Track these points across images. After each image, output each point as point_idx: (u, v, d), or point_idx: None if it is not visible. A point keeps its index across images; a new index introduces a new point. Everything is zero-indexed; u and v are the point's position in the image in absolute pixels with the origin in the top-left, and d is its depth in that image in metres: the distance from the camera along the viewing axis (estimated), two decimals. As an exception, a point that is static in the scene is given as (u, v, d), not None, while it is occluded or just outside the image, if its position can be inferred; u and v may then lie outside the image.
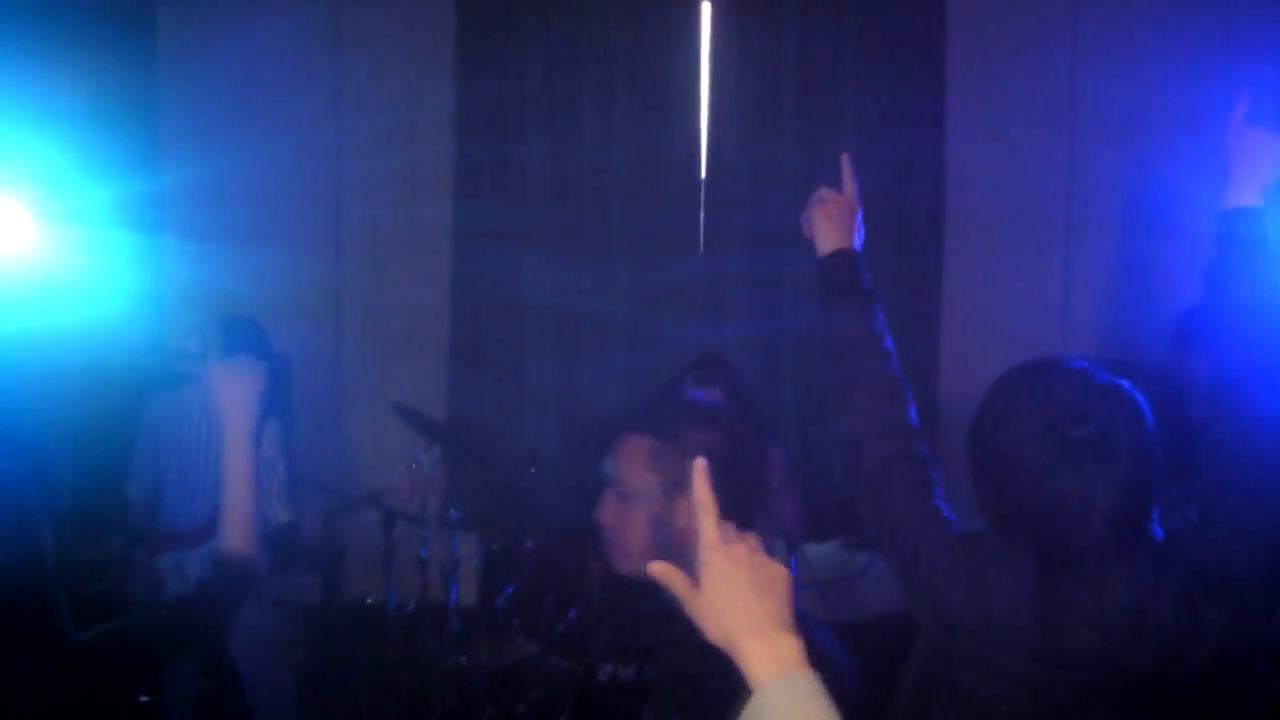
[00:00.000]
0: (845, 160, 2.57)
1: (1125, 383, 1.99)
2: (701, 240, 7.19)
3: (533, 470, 6.30)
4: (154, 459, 5.12)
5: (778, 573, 1.53)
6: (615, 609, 5.78)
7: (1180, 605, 1.89)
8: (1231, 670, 1.90)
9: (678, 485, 2.11)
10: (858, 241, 2.49)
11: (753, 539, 1.54)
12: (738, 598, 1.48)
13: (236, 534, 2.50)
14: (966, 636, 2.04)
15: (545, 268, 7.23)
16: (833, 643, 2.01)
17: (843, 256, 2.45)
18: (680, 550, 1.97)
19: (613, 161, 7.20)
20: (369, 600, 6.79)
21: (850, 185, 2.55)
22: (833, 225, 2.47)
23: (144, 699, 5.29)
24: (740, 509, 1.79)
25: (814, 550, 6.12)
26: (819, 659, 1.48)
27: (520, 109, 7.24)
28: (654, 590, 1.63)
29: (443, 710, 5.79)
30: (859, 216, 2.53)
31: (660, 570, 1.56)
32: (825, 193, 2.53)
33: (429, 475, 5.61)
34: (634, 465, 2.17)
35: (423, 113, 7.25)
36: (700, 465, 1.58)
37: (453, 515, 6.26)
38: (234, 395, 2.60)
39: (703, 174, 7.18)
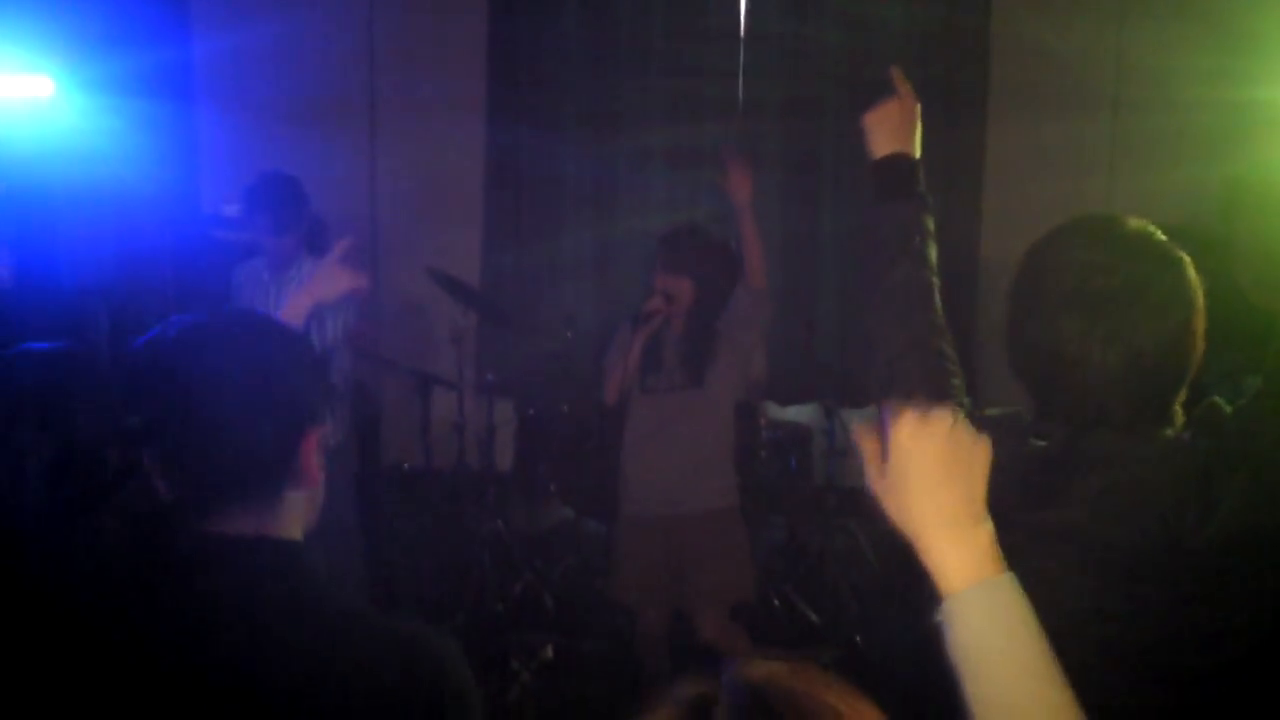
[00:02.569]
0: (896, 73, 2.48)
1: (1164, 239, 1.90)
2: (740, 103, 7.11)
3: (568, 335, 6.29)
4: None
5: (976, 452, 1.38)
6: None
7: (1189, 486, 1.81)
8: (1249, 551, 1.84)
9: None
10: (916, 147, 2.44)
11: (957, 413, 1.38)
12: (926, 482, 1.34)
13: None
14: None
15: (581, 133, 7.17)
16: None
17: (900, 160, 2.41)
18: None
19: (649, 26, 7.09)
20: (406, 466, 6.86)
21: (907, 92, 2.47)
22: (892, 128, 2.43)
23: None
24: None
25: (851, 416, 6.13)
26: None
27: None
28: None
29: (479, 574, 5.86)
30: (916, 120, 2.46)
31: (861, 434, 1.42)
32: (888, 96, 2.46)
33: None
34: None
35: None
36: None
37: (488, 380, 6.28)
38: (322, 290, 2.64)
39: (741, 35, 7.07)
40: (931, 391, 2.12)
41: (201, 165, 6.99)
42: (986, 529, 1.35)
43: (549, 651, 5.15)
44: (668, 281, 4.39)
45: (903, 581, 5.74)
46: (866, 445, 1.41)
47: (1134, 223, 1.93)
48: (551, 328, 6.52)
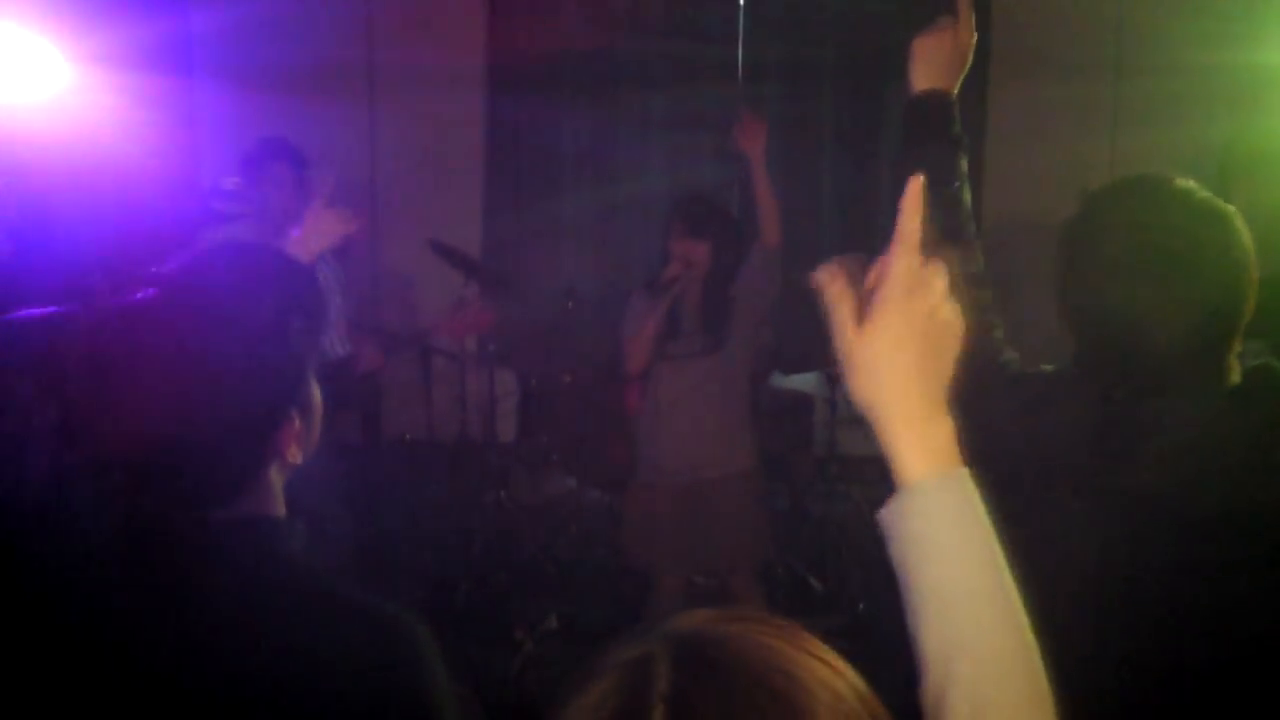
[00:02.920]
0: (965, 3, 2.34)
1: (1211, 195, 1.90)
2: (740, 70, 7.08)
3: (569, 305, 6.28)
4: None
5: (951, 335, 1.30)
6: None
7: (1255, 444, 1.82)
8: None
9: None
10: (957, 85, 2.35)
11: (941, 281, 1.29)
12: (903, 365, 1.26)
13: None
14: (1026, 479, 1.98)
15: (580, 102, 7.15)
16: None
17: (937, 97, 2.32)
18: None
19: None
20: (408, 437, 6.86)
21: (967, 24, 2.34)
22: (940, 61, 2.34)
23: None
24: None
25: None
26: None
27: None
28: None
29: (483, 545, 5.87)
30: (966, 58, 2.36)
31: (830, 282, 1.31)
32: (945, 22, 2.33)
33: (472, 312, 5.52)
34: None
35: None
36: (915, 184, 1.35)
37: (490, 351, 6.28)
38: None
39: (741, 1, 7.04)
40: (972, 341, 2.10)
41: (200, 138, 6.96)
42: (948, 423, 1.29)
43: (553, 621, 5.17)
44: (685, 246, 4.37)
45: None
46: (841, 299, 1.30)
47: (1180, 181, 1.91)
48: (552, 298, 6.51)
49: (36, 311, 2.28)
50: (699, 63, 7.04)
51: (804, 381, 6.63)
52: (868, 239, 7.06)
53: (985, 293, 2.20)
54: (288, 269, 1.68)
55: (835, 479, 6.06)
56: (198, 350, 1.51)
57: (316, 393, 1.68)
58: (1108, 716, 1.82)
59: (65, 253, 6.00)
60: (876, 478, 5.81)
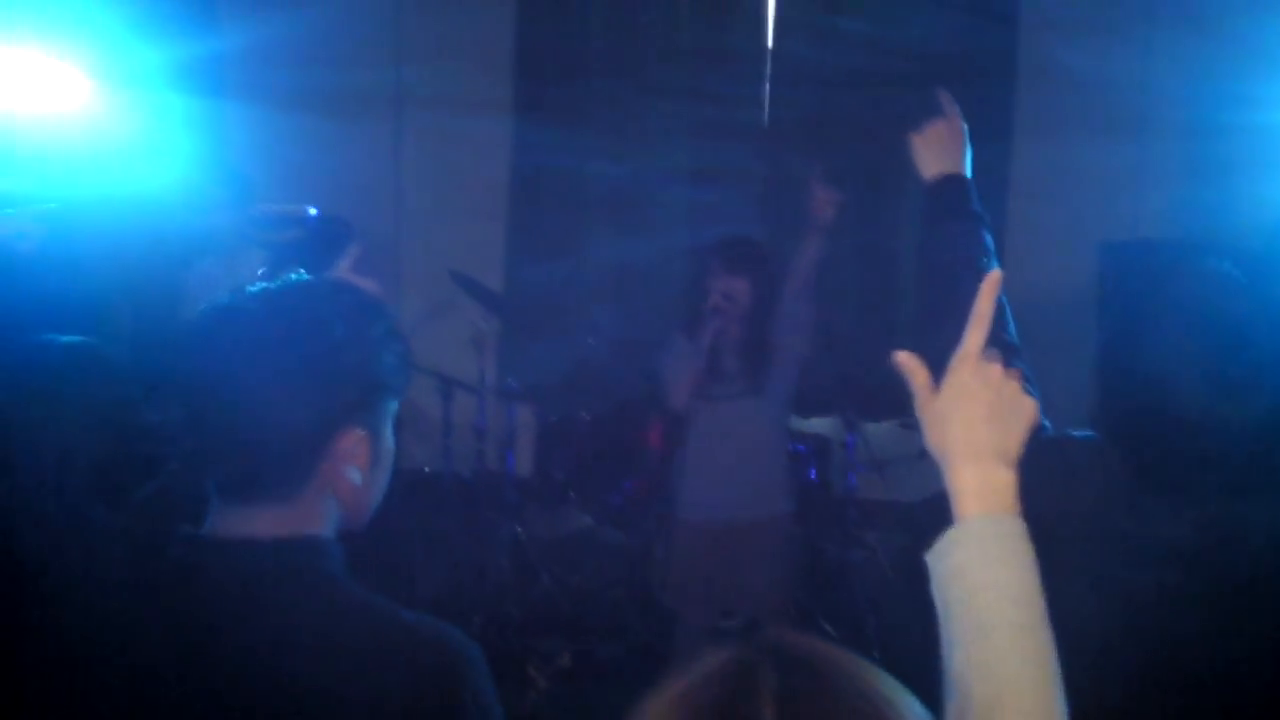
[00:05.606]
0: (944, 95, 2.50)
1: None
2: (766, 116, 7.10)
3: (591, 342, 6.29)
4: None
5: (1024, 406, 1.44)
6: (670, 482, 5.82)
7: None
8: None
9: None
10: (967, 167, 2.45)
11: (1013, 373, 1.46)
12: (970, 415, 1.41)
13: None
14: (1054, 540, 1.99)
15: (606, 142, 7.18)
16: None
17: (952, 180, 2.42)
18: None
19: (677, 35, 7.11)
20: (426, 469, 6.86)
21: (954, 113, 2.48)
22: (941, 150, 2.45)
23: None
24: None
25: (872, 430, 6.12)
26: None
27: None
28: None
29: (497, 580, 5.86)
30: (965, 141, 2.48)
31: (906, 361, 1.47)
32: (937, 120, 2.48)
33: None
34: None
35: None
36: (995, 276, 1.52)
37: (510, 386, 6.29)
38: None
39: (769, 45, 7.06)
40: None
41: (227, 161, 6.99)
42: (1011, 474, 1.40)
43: (566, 658, 5.16)
44: (727, 283, 4.37)
45: (921, 597, 5.72)
46: (917, 375, 1.47)
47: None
48: (574, 335, 6.52)
49: (60, 339, 2.30)
50: (725, 102, 7.06)
51: (821, 425, 6.61)
52: (892, 289, 7.07)
53: (1021, 362, 2.21)
54: (370, 302, 1.68)
55: (852, 524, 6.04)
56: (268, 350, 1.52)
57: (389, 431, 1.67)
58: None
59: (92, 274, 6.02)
60: (893, 523, 5.79)
